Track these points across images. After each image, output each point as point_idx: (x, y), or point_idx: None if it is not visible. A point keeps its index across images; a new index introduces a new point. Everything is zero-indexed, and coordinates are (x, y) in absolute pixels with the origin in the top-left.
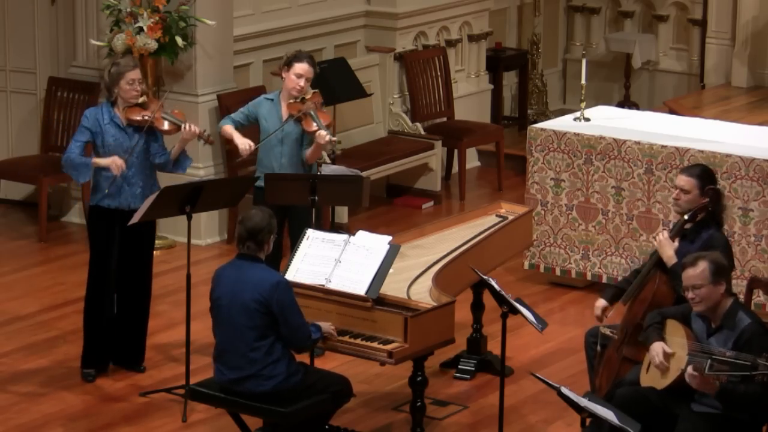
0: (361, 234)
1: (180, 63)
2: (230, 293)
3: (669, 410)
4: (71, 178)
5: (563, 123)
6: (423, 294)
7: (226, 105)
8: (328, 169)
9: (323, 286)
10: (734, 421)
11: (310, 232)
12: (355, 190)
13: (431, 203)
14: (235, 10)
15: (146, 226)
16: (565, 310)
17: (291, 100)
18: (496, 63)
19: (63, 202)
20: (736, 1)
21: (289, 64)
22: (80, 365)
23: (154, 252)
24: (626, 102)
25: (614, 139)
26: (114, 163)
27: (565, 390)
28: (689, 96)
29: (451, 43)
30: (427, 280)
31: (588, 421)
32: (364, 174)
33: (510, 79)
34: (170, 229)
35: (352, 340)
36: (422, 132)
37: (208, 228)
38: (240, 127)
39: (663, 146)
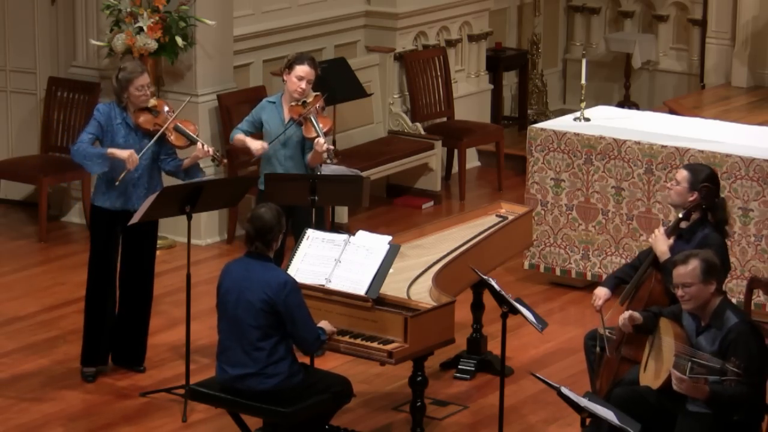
0: (361, 234)
1: (180, 63)
2: (237, 291)
3: (666, 410)
4: (83, 168)
5: (563, 123)
6: (423, 294)
7: (226, 105)
8: (328, 169)
9: (323, 286)
10: (731, 421)
11: (310, 232)
12: (355, 190)
13: (431, 203)
14: (235, 10)
15: (149, 227)
16: (565, 310)
17: (293, 103)
18: (496, 63)
19: (63, 202)
20: (736, 1)
21: (290, 66)
22: (80, 364)
23: None
24: (626, 102)
25: (614, 139)
26: (131, 156)
27: (565, 390)
28: (689, 96)
29: (451, 43)
30: (427, 280)
31: (588, 421)
32: (364, 174)
33: (510, 79)
34: (170, 229)
35: (352, 340)
36: (422, 132)
37: (208, 228)
38: (249, 135)
39: (663, 146)
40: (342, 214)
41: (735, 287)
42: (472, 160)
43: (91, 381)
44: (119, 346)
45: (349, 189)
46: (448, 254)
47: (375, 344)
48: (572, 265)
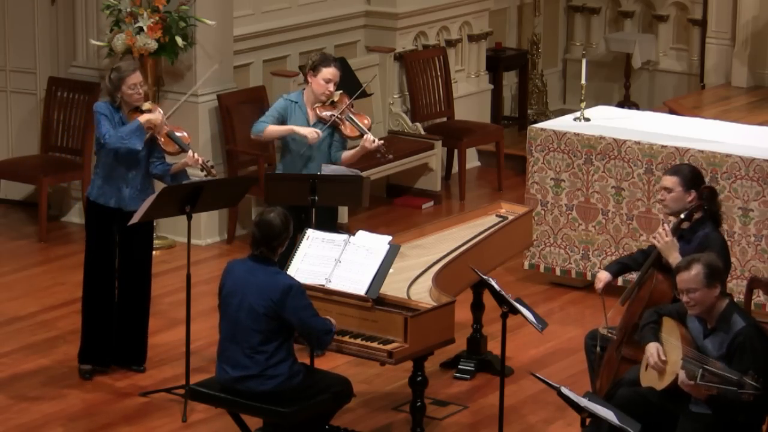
0: (361, 234)
1: (180, 63)
2: (240, 294)
3: (668, 411)
4: (82, 169)
5: (563, 123)
6: (423, 294)
7: (226, 105)
8: (328, 169)
9: (323, 286)
10: (734, 422)
11: (310, 232)
12: (355, 190)
13: (431, 203)
14: (235, 10)
15: (142, 226)
16: (565, 310)
17: (319, 104)
18: (496, 63)
19: (63, 202)
20: (736, 1)
21: (315, 68)
22: (77, 361)
23: (154, 252)
24: (626, 102)
25: (614, 139)
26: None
27: (565, 390)
28: (689, 96)
29: (451, 43)
30: (427, 280)
31: (588, 421)
32: (364, 174)
33: (510, 79)
34: (170, 229)
35: (352, 340)
36: (422, 132)
37: (208, 228)
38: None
39: (663, 146)
40: (342, 214)
41: (735, 287)
42: (472, 160)
43: (87, 378)
44: (120, 346)
45: (349, 189)
46: (448, 254)
47: (375, 344)
48: (572, 265)
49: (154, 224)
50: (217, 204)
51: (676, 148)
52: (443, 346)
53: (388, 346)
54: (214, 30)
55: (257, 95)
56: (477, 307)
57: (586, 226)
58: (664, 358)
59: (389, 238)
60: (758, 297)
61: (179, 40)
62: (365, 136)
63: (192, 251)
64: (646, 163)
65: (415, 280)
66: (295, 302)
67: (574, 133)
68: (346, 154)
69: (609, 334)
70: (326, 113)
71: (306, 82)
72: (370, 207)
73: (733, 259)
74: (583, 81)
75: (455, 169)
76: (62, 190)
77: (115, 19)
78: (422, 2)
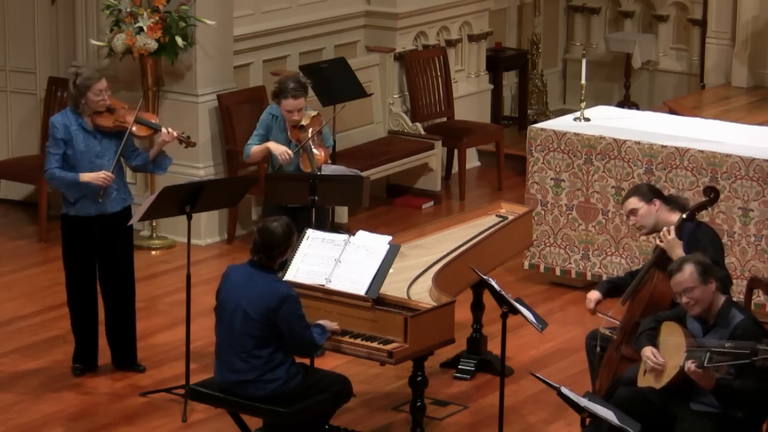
0: (361, 234)
1: (180, 63)
2: (235, 298)
3: (668, 410)
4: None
5: (563, 123)
6: (423, 294)
7: (226, 105)
8: (328, 169)
9: (323, 286)
10: (733, 420)
11: (310, 232)
12: (355, 190)
13: (431, 203)
14: (235, 10)
15: (123, 227)
16: (565, 310)
17: (292, 125)
18: (496, 63)
19: (63, 202)
20: (736, 1)
21: (277, 97)
22: (72, 360)
23: (154, 252)
24: (626, 102)
25: (614, 139)
26: (106, 178)
27: (565, 390)
28: (689, 96)
29: (451, 43)
30: (427, 280)
31: (587, 420)
32: (364, 174)
33: (510, 79)
34: (170, 229)
35: (352, 340)
36: (422, 132)
37: (208, 228)
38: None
39: (663, 146)
40: (342, 214)
41: (735, 287)
42: (472, 160)
43: (78, 375)
44: (113, 348)
45: (349, 189)
46: (448, 254)
47: (375, 344)
48: (572, 265)
49: (154, 224)
50: (217, 204)
51: (676, 148)
52: (443, 346)
53: (388, 346)
54: (214, 30)
55: (257, 95)
56: (477, 307)
57: (586, 226)
58: (662, 360)
59: (389, 238)
60: (758, 297)
61: (179, 40)
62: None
63: (192, 251)
64: (646, 163)
65: (415, 280)
66: (289, 311)
67: (574, 133)
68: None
69: (609, 334)
70: (295, 138)
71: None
72: (370, 207)
73: (733, 259)
74: (583, 81)
75: (455, 169)
76: None
77: (115, 19)
78: (422, 2)
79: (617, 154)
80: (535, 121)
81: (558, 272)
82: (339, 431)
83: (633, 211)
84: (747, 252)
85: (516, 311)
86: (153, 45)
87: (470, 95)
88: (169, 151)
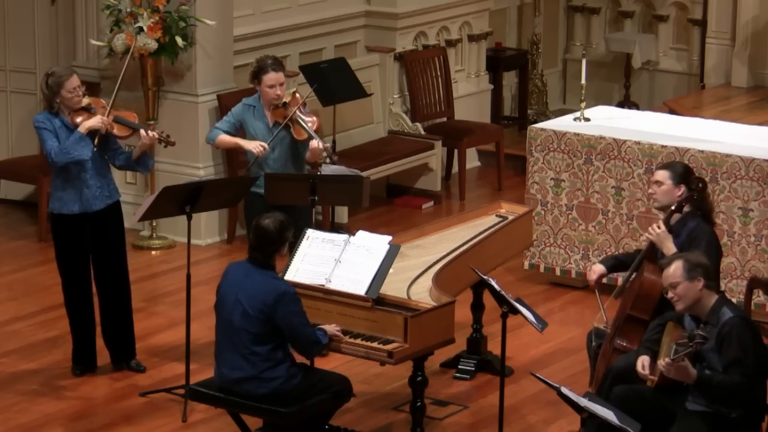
0: (361, 234)
1: (180, 63)
2: (233, 295)
3: (665, 408)
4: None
5: (563, 123)
6: (423, 294)
7: (226, 105)
8: (328, 169)
9: (323, 286)
10: (729, 420)
11: (310, 232)
12: (355, 190)
13: (431, 203)
14: (235, 10)
15: (113, 222)
16: (565, 310)
17: (273, 107)
18: (496, 63)
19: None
20: (736, 1)
21: (257, 77)
22: (71, 361)
23: (154, 252)
24: (626, 102)
25: (614, 139)
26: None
27: (565, 390)
28: (689, 96)
29: (451, 43)
30: (427, 280)
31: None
32: (364, 174)
33: (510, 79)
34: (170, 229)
35: (352, 340)
36: (422, 132)
37: (208, 228)
38: (228, 135)
39: (663, 146)
40: (342, 214)
41: (735, 287)
42: (472, 160)
43: (78, 375)
44: (111, 345)
45: (349, 189)
46: (448, 254)
47: (375, 344)
48: (572, 265)
49: (154, 224)
50: (217, 204)
51: (676, 148)
52: (443, 346)
53: (388, 346)
54: (214, 30)
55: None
56: (477, 307)
57: (586, 226)
58: (647, 372)
59: (389, 238)
60: (758, 297)
61: (179, 40)
62: (311, 142)
63: (192, 251)
64: (646, 163)
65: (415, 280)
66: (288, 308)
67: (574, 133)
68: (306, 155)
69: (604, 328)
70: (279, 116)
71: (257, 91)
72: (370, 207)
73: (733, 259)
74: (583, 81)
75: (455, 169)
76: None
77: (115, 19)
78: (422, 2)
79: (617, 154)
80: (535, 121)
81: (558, 272)
82: (339, 431)
83: (658, 183)
84: (747, 252)
85: (516, 311)
86: (153, 45)
87: (470, 95)
88: (168, 151)
